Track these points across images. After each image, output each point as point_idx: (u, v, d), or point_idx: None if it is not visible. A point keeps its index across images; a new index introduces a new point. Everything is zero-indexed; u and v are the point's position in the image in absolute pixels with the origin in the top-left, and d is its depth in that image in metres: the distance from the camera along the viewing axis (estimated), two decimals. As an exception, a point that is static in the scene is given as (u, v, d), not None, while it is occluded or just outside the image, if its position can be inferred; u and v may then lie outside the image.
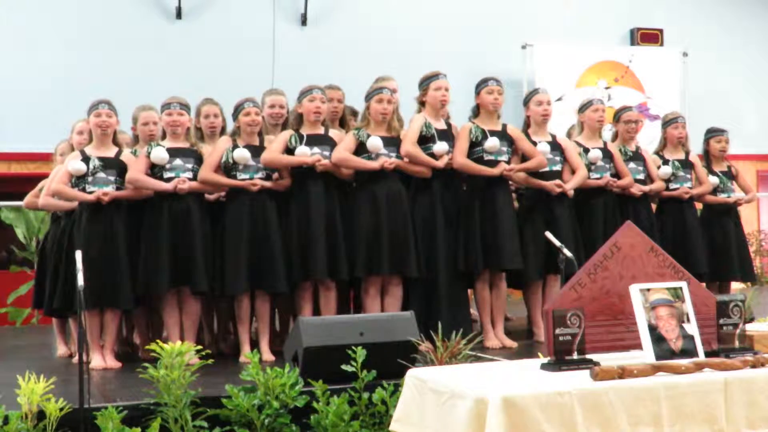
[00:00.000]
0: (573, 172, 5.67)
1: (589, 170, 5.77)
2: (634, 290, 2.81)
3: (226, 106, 5.54)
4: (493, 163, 5.35)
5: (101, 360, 4.98)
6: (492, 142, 5.33)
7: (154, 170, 5.08)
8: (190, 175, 5.07)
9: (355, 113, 5.89)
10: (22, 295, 8.06)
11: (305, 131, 5.22)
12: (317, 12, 9.99)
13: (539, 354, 3.40)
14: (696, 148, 6.56)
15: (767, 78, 11.59)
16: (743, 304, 2.94)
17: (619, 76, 10.61)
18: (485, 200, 5.36)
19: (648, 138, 8.72)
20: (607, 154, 5.89)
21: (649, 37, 11.08)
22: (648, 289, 2.82)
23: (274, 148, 5.13)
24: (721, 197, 6.41)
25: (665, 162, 6.23)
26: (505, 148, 5.42)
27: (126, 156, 5.15)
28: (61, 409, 3.55)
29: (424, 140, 5.33)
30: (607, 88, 10.47)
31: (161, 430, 3.62)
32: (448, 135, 5.41)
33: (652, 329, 2.76)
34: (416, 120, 5.38)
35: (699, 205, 6.45)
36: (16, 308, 8.32)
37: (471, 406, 2.44)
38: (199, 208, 5.10)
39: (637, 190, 5.94)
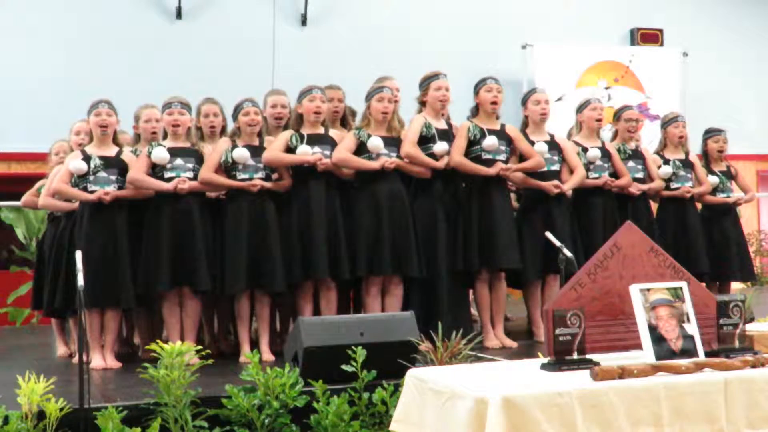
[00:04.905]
0: (571, 172, 5.67)
1: (588, 170, 5.77)
2: (634, 290, 2.81)
3: (226, 106, 5.54)
4: (491, 162, 5.35)
5: (101, 360, 4.98)
6: (491, 141, 5.33)
7: (155, 170, 5.08)
8: (190, 174, 5.08)
9: (355, 113, 5.89)
10: (22, 295, 8.06)
11: (305, 131, 5.22)
12: (317, 12, 9.99)
13: (539, 354, 3.40)
14: (695, 148, 6.57)
15: (767, 78, 11.59)
16: (743, 304, 2.94)
17: (619, 76, 10.61)
18: (482, 199, 5.36)
19: (648, 138, 8.73)
20: (606, 154, 5.89)
21: (649, 37, 11.08)
22: (648, 289, 2.81)
23: (275, 147, 5.14)
24: (721, 197, 6.42)
25: (665, 162, 6.24)
26: (503, 148, 5.42)
27: (127, 155, 5.16)
28: (61, 409, 3.55)
29: (425, 140, 5.33)
30: (607, 88, 10.47)
31: (161, 430, 3.62)
32: (448, 135, 5.41)
33: (652, 329, 2.76)
34: (416, 120, 5.38)
35: (699, 205, 6.46)
36: (16, 308, 8.32)
37: (471, 406, 2.44)
38: (199, 207, 5.11)
39: (635, 189, 5.94)
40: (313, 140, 5.18)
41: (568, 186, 5.62)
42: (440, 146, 5.32)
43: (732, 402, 2.60)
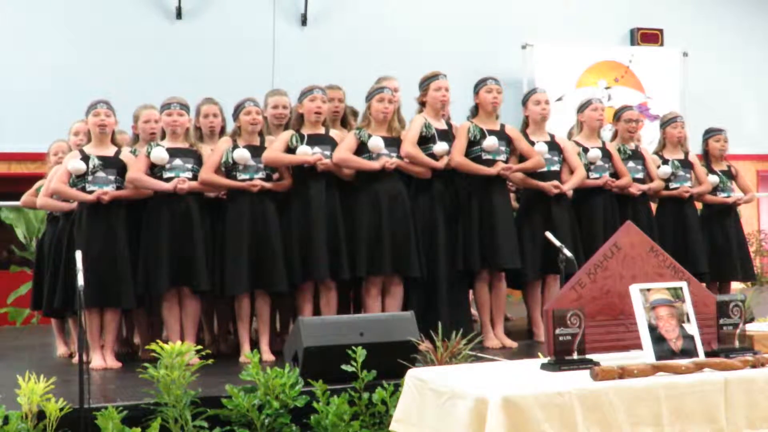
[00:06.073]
0: (571, 172, 5.67)
1: (588, 170, 5.77)
2: (634, 290, 2.81)
3: (226, 106, 5.54)
4: (491, 163, 5.36)
5: (101, 360, 4.99)
6: (491, 141, 5.34)
7: (154, 170, 5.08)
8: (189, 175, 5.08)
9: (355, 113, 5.89)
10: (22, 295, 8.06)
11: (306, 131, 5.22)
12: (317, 12, 9.98)
13: (539, 354, 3.41)
14: (695, 148, 6.57)
15: (767, 78, 11.59)
16: (743, 304, 2.94)
17: (619, 76, 10.60)
18: (482, 199, 5.36)
19: (648, 138, 8.72)
20: (606, 154, 5.89)
21: (649, 37, 11.07)
22: (648, 289, 2.82)
23: (275, 147, 5.14)
24: (721, 197, 6.42)
25: (665, 162, 6.24)
26: (503, 148, 5.42)
27: (125, 155, 5.16)
28: (61, 409, 3.55)
29: (425, 141, 5.33)
30: (607, 88, 10.46)
31: (161, 430, 3.62)
32: (448, 135, 5.41)
33: (652, 329, 2.76)
34: (416, 120, 5.39)
35: (699, 205, 6.46)
36: (16, 308, 8.32)
37: (471, 406, 2.44)
38: (199, 207, 5.11)
39: (635, 189, 5.93)
40: (314, 140, 5.18)
41: (568, 186, 5.62)
42: (440, 146, 5.32)
43: (732, 402, 2.60)
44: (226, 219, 5.11)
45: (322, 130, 5.27)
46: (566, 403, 2.45)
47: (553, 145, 5.65)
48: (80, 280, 3.82)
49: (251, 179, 5.08)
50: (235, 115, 5.23)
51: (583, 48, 10.52)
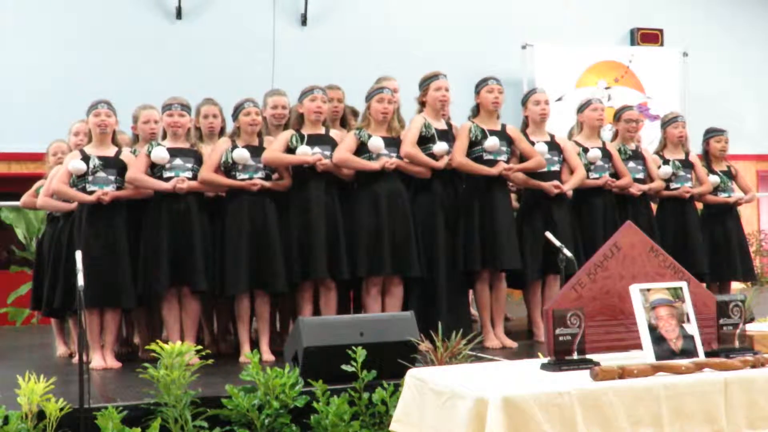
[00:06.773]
0: (572, 172, 5.67)
1: (588, 170, 5.77)
2: (634, 290, 2.80)
3: (226, 106, 5.54)
4: (493, 163, 5.35)
5: (101, 360, 4.99)
6: (492, 142, 5.33)
7: (154, 170, 5.08)
8: (189, 174, 5.08)
9: (355, 113, 5.89)
10: (22, 295, 8.05)
11: (306, 131, 5.22)
12: (317, 12, 9.99)
13: (539, 354, 3.41)
14: (696, 148, 6.56)
15: (767, 78, 11.59)
16: (743, 304, 2.94)
17: (619, 76, 10.60)
18: (484, 200, 5.36)
19: (648, 138, 8.72)
20: (606, 154, 5.89)
21: (649, 37, 11.08)
22: (648, 289, 2.81)
23: (275, 147, 5.14)
24: (722, 197, 6.42)
25: (665, 162, 6.24)
26: (504, 148, 5.42)
27: (126, 155, 5.16)
28: (61, 409, 3.55)
29: (424, 141, 5.33)
30: (607, 88, 10.47)
31: (161, 430, 3.62)
32: (448, 135, 5.41)
33: (652, 329, 2.76)
34: (416, 120, 5.39)
35: (699, 205, 6.46)
36: (16, 308, 8.31)
37: (471, 406, 2.44)
38: (198, 207, 5.11)
39: (636, 189, 5.93)
40: (314, 140, 5.18)
41: (568, 186, 5.62)
42: (440, 146, 5.32)
43: (732, 402, 2.60)
44: (225, 218, 5.11)
45: (322, 130, 5.27)
46: (566, 403, 2.44)
47: (553, 145, 5.65)
48: (80, 280, 3.83)
49: (251, 179, 5.08)
50: (235, 116, 5.23)
51: (583, 48, 10.53)
